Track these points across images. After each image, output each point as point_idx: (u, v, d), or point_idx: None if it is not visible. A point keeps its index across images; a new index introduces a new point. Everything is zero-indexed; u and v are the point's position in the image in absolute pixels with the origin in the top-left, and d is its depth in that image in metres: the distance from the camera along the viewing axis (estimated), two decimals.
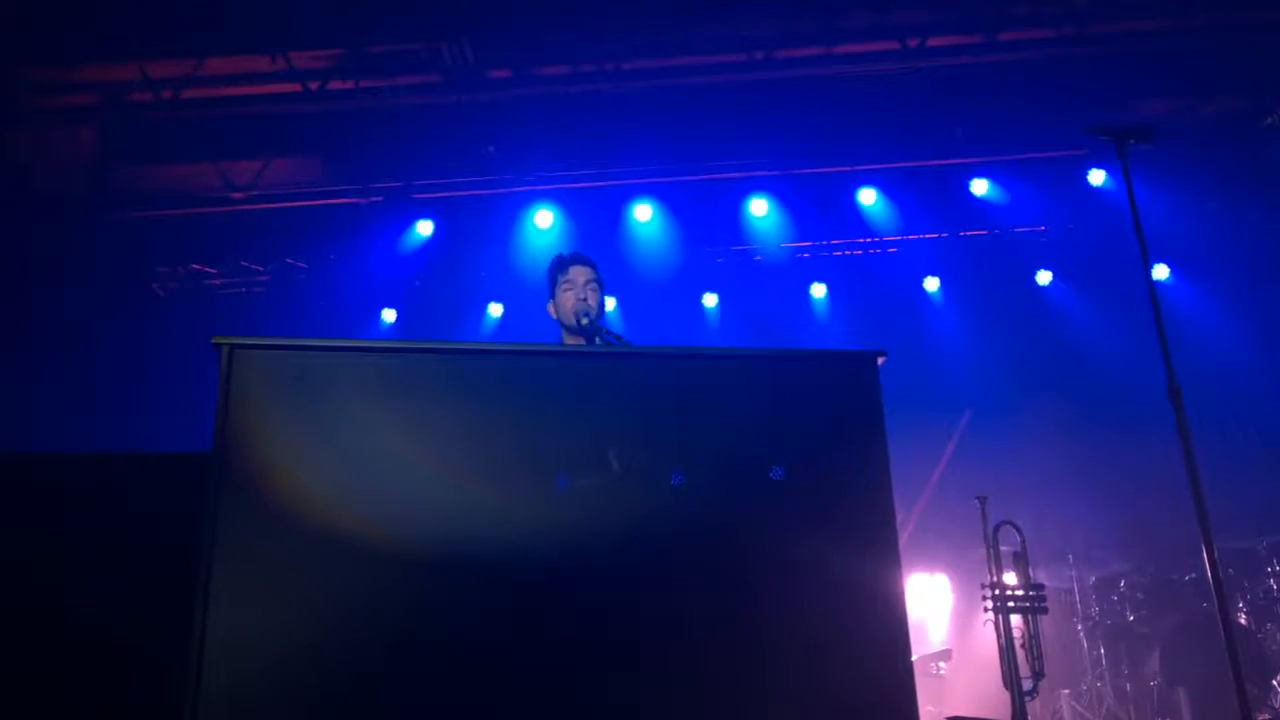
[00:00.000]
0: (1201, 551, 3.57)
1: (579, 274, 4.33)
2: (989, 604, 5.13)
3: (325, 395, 2.53)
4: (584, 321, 4.18)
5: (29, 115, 8.01)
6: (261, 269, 9.65)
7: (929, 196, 9.15)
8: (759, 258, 9.71)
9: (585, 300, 4.25)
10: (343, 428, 2.51)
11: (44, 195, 8.37)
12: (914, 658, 2.67)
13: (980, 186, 8.94)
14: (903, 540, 3.51)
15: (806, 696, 2.47)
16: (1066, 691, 7.62)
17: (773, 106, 8.34)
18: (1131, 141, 4.11)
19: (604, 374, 2.73)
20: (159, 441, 2.97)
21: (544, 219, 9.00)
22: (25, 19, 7.24)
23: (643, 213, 9.08)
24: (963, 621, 8.47)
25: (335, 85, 7.99)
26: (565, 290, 4.33)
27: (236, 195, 8.89)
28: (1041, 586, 5.18)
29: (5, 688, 2.46)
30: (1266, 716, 6.36)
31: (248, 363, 2.51)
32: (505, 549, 2.47)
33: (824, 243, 9.70)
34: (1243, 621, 6.98)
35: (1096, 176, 8.85)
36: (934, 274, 9.77)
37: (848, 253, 9.82)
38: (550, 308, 4.43)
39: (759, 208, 9.09)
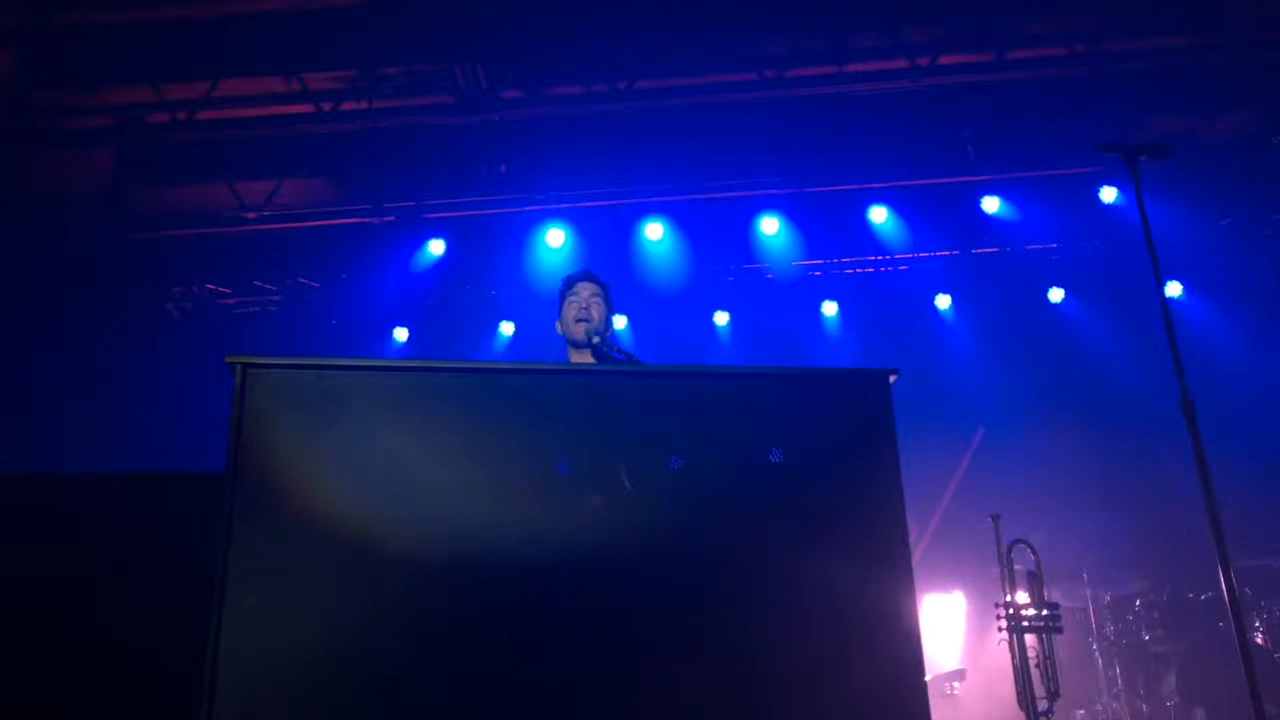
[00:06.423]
0: (1218, 570, 3.54)
1: (584, 288, 4.36)
2: (1003, 623, 5.10)
3: (338, 413, 2.54)
4: (585, 329, 4.20)
5: (47, 137, 8.09)
6: (274, 288, 9.70)
7: (940, 214, 9.14)
8: (770, 276, 9.71)
9: (586, 309, 4.27)
10: (355, 445, 2.52)
11: (61, 216, 8.44)
12: (928, 677, 2.66)
13: (991, 204, 8.92)
14: (916, 559, 3.48)
15: (820, 715, 2.46)
16: (1081, 712, 7.56)
17: (784, 125, 8.37)
18: (1143, 159, 4.11)
19: (615, 392, 2.73)
20: (174, 460, 2.99)
21: (555, 238, 9.02)
22: (43, 43, 7.32)
23: (654, 231, 9.10)
24: (977, 641, 8.41)
25: (348, 106, 8.05)
26: (569, 304, 4.35)
27: (250, 215, 8.95)
28: (1056, 605, 5.15)
29: (24, 702, 2.47)
30: None
31: (261, 381, 2.52)
32: (517, 564, 2.48)
33: (835, 261, 9.69)
34: (1260, 641, 6.91)
35: (1108, 194, 8.82)
36: (945, 292, 9.76)
37: (859, 271, 9.82)
38: (558, 325, 4.45)
39: (770, 226, 9.10)
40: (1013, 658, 5.06)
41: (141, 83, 7.87)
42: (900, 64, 7.94)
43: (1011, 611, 5.09)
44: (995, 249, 9.55)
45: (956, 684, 7.81)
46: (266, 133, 8.33)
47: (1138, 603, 7.48)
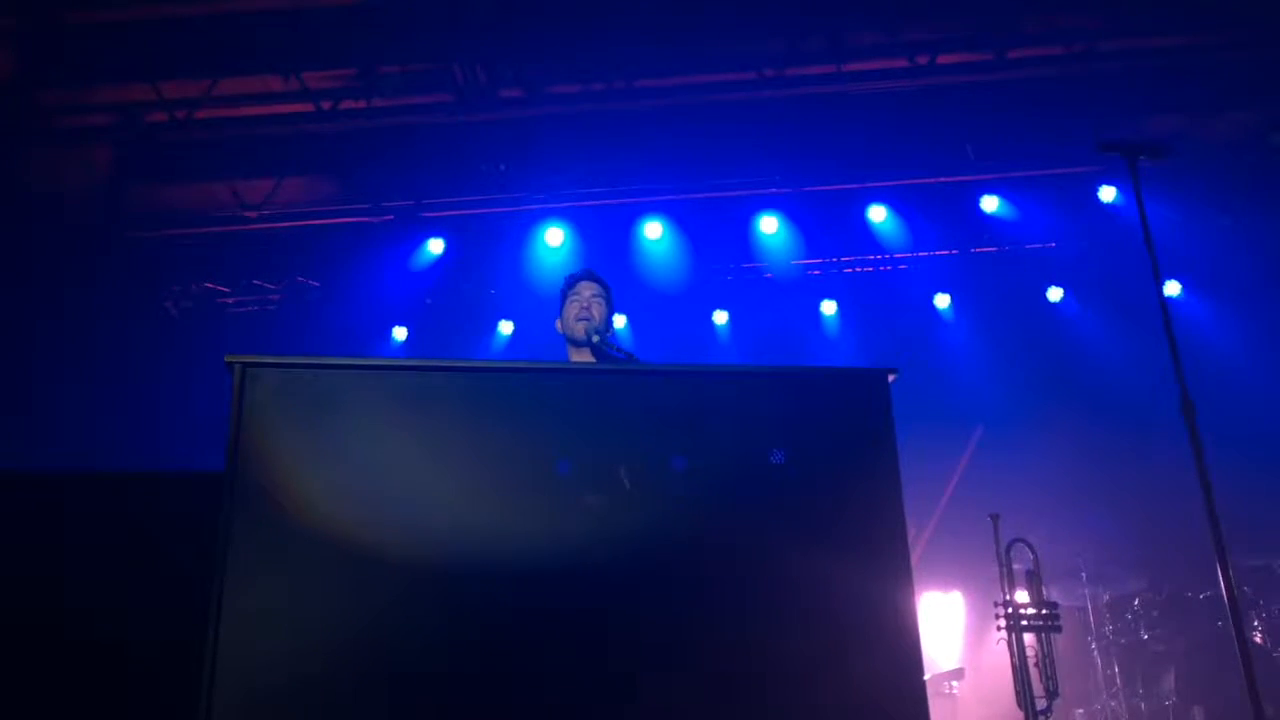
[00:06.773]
0: (1216, 569, 3.55)
1: (586, 288, 4.38)
2: (1002, 622, 5.10)
3: (337, 413, 2.54)
4: (586, 327, 4.21)
5: (46, 135, 8.09)
6: (273, 287, 9.69)
7: (939, 213, 9.14)
8: (769, 275, 9.71)
9: (588, 309, 4.29)
10: (354, 445, 2.52)
11: (60, 214, 8.43)
12: (927, 676, 2.66)
13: (990, 203, 8.93)
14: (915, 558, 3.49)
15: (820, 714, 2.46)
16: (1080, 711, 7.57)
17: (783, 124, 8.37)
18: (1142, 158, 4.11)
19: (615, 391, 2.73)
20: (173, 460, 2.99)
21: (554, 237, 9.02)
22: (43, 41, 7.32)
23: (653, 230, 9.10)
24: (976, 640, 8.42)
25: (347, 105, 8.05)
26: (571, 302, 4.36)
27: (249, 214, 8.95)
28: (1055, 605, 5.15)
29: (24, 702, 2.47)
30: None
31: (260, 381, 2.52)
32: (516, 563, 2.48)
33: (834, 260, 9.70)
34: (1258, 640, 6.92)
35: (1107, 193, 8.83)
36: (945, 291, 9.76)
37: (858, 270, 9.82)
38: (557, 324, 4.46)
39: (769, 225, 9.10)
40: (1011, 657, 5.06)
41: (141, 81, 7.86)
42: (900, 63, 7.94)
43: (1010, 610, 5.09)
44: (994, 248, 9.56)
45: (955, 683, 7.81)
46: (266, 132, 8.32)
47: (1136, 602, 7.49)
